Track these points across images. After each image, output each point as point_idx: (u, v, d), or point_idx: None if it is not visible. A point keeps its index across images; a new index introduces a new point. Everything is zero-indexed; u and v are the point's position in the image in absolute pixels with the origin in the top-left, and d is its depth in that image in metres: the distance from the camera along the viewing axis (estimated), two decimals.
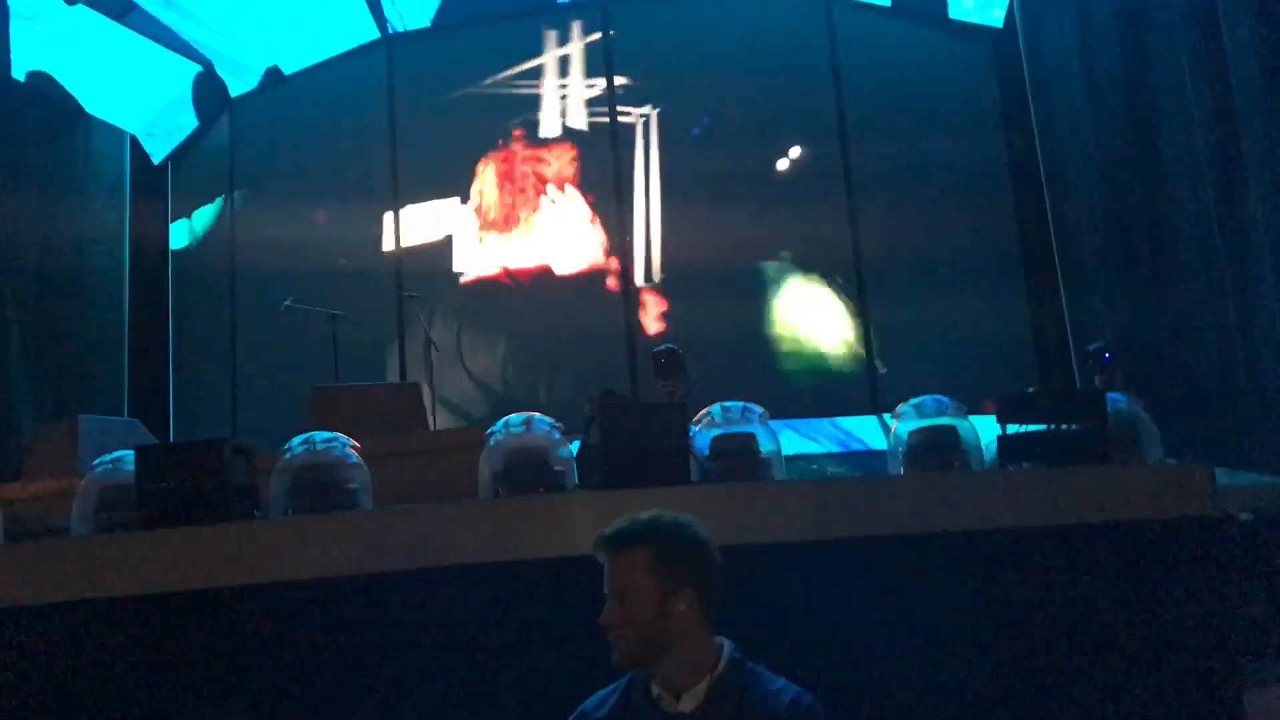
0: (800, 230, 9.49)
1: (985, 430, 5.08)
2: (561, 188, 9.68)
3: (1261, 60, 7.30)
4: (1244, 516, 4.75)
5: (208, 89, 11.05)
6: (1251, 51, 7.39)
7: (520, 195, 9.75)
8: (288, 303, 7.58)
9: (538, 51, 9.93)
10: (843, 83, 9.72)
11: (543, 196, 9.73)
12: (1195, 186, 8.03)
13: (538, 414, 4.40)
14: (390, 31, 10.11)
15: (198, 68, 10.82)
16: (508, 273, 9.65)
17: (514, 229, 9.75)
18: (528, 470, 4.22)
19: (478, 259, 9.83)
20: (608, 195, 9.60)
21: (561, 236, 9.67)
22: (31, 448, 6.15)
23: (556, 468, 4.28)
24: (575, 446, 4.72)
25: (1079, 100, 9.44)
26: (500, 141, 9.86)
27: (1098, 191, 9.22)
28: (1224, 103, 7.63)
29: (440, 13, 9.98)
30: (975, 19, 10.21)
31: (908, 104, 9.87)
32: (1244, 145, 7.47)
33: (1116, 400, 4.93)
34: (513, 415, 4.43)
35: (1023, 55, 10.01)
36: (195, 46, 10.44)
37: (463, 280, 9.79)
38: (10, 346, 9.43)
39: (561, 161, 9.75)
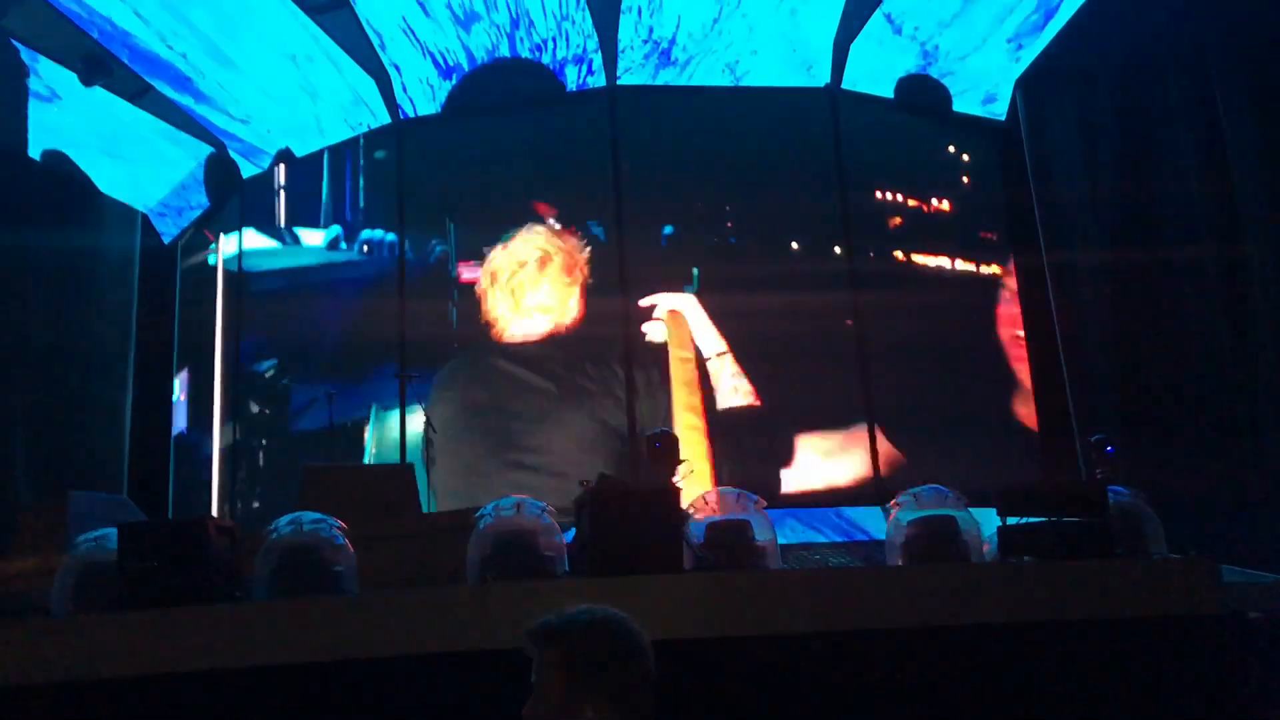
0: (804, 317, 9.47)
1: (986, 521, 5.01)
2: (570, 273, 9.70)
3: (1262, 159, 7.36)
4: (1254, 615, 4.63)
5: (220, 170, 11.18)
6: (1253, 150, 7.46)
7: (527, 277, 9.78)
8: (283, 381, 7.56)
9: (547, 140, 10.03)
10: (846, 173, 9.79)
11: (547, 281, 9.75)
12: (1199, 281, 8.05)
13: (529, 498, 4.35)
14: (401, 117, 10.25)
15: (210, 148, 10.96)
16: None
17: (519, 310, 9.73)
18: (516, 555, 4.15)
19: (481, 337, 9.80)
20: (611, 285, 9.60)
21: (564, 321, 9.66)
22: (21, 523, 6.08)
23: (546, 553, 4.22)
24: (571, 533, 4.65)
25: (1082, 194, 9.51)
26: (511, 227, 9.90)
27: (1102, 284, 9.24)
28: (1226, 200, 7.68)
29: (450, 100, 10.12)
30: (979, 113, 10.31)
31: (911, 195, 9.94)
32: (1247, 242, 7.50)
33: (1119, 493, 4.86)
34: (504, 499, 4.38)
35: (1025, 150, 10.10)
36: (209, 128, 10.59)
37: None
38: (14, 420, 9.42)
39: (569, 248, 9.78)
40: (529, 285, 9.72)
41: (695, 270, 9.56)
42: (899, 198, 9.96)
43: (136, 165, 10.87)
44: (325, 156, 10.63)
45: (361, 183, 10.41)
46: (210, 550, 4.04)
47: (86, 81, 9.47)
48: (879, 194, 9.91)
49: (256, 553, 4.41)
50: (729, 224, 9.78)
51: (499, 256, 9.79)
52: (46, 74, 9.48)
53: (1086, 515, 4.37)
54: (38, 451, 9.49)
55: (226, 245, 11.17)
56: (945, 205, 10.08)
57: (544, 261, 9.74)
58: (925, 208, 10.01)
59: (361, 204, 10.40)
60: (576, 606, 2.22)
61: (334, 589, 4.23)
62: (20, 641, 3.92)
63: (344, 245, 10.32)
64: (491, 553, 4.26)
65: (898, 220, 9.92)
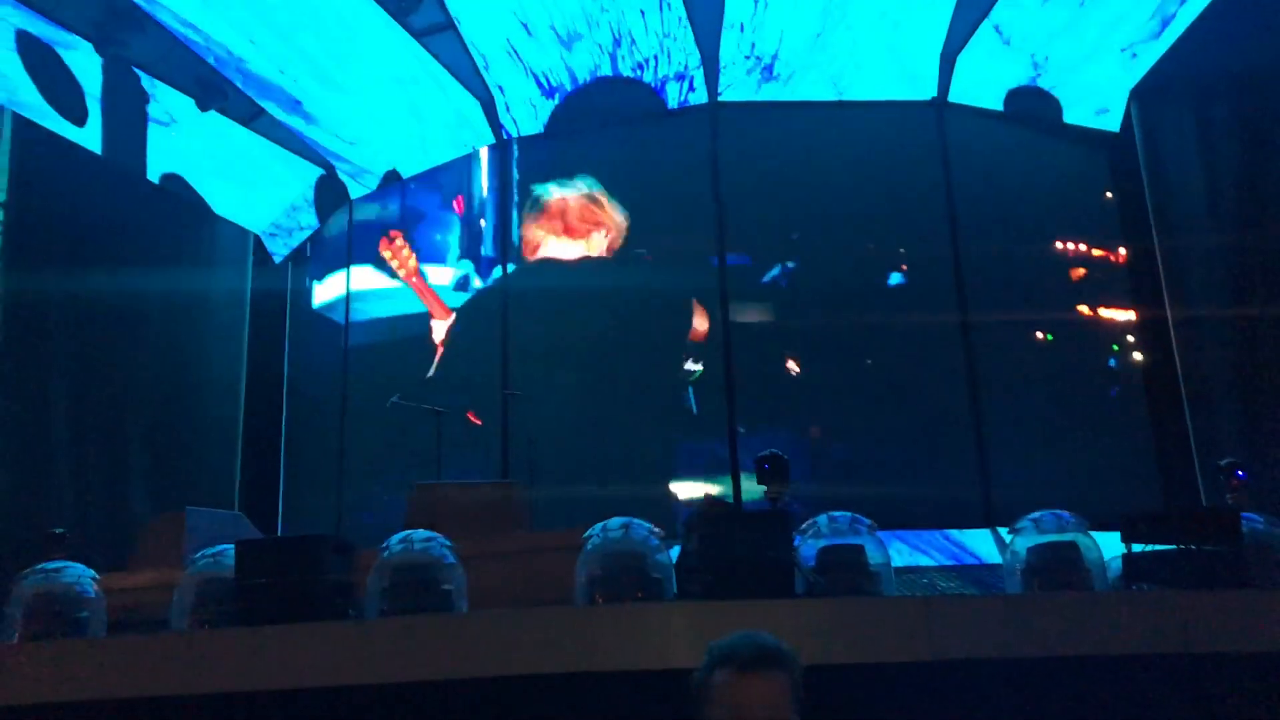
0: (912, 340, 9.32)
1: (1108, 547, 4.82)
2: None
3: None
4: None
5: (329, 191, 11.44)
6: None
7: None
8: (394, 399, 7.65)
9: (649, 159, 10.06)
10: (954, 190, 9.60)
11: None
12: None
13: (637, 519, 4.31)
14: (505, 137, 10.37)
15: (320, 170, 11.22)
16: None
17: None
18: (624, 577, 4.12)
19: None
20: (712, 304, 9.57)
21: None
22: (140, 539, 6.26)
23: (654, 575, 4.17)
24: (676, 552, 4.60)
25: (1200, 206, 9.18)
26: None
27: (1222, 300, 8.89)
28: None
29: (553, 120, 10.21)
30: (1091, 124, 10.03)
31: (1021, 211, 9.69)
32: None
33: (1253, 520, 4.63)
34: (612, 519, 4.35)
35: (1140, 160, 9.78)
36: (318, 150, 10.85)
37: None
38: (131, 436, 9.71)
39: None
40: None
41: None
42: (1008, 213, 9.72)
43: (249, 187, 11.18)
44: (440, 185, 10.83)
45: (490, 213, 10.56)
46: (326, 568, 4.09)
47: (203, 106, 9.80)
48: (987, 209, 9.70)
49: (370, 570, 4.45)
50: (836, 236, 9.67)
51: None
52: (165, 100, 9.81)
53: (1219, 543, 4.16)
54: (155, 467, 9.76)
55: (335, 284, 11.43)
56: (1057, 221, 9.81)
57: None
58: (1036, 223, 9.75)
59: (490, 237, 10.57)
60: (751, 632, 2.17)
61: (445, 607, 4.25)
62: (141, 655, 4.01)
63: (475, 283, 10.46)
64: (600, 573, 4.22)
65: (1008, 238, 9.68)
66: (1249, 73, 8.52)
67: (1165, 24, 9.12)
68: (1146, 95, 9.76)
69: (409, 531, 4.47)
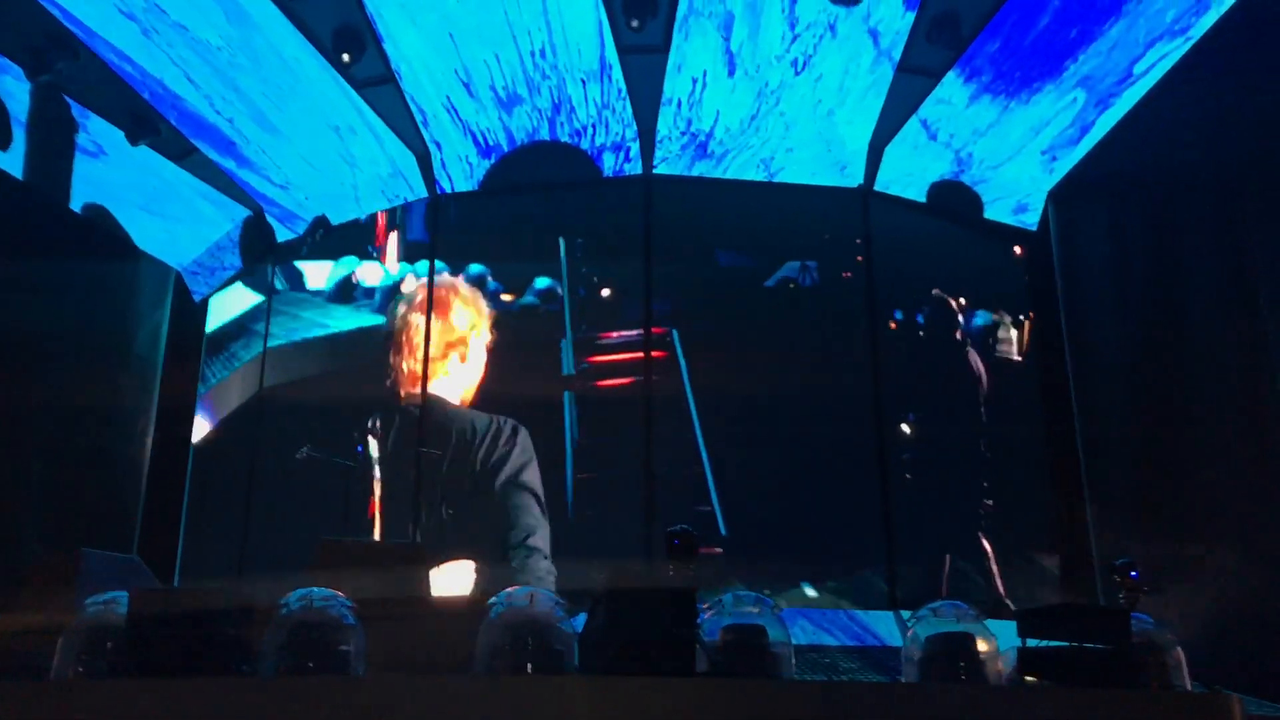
0: (823, 419, 9.48)
1: (1003, 638, 4.93)
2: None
3: None
4: None
5: (255, 232, 11.33)
6: (1278, 263, 7.48)
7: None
8: (304, 450, 7.53)
9: (579, 224, 10.19)
10: (875, 274, 9.86)
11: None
12: (1224, 403, 7.99)
13: (544, 589, 4.31)
14: (439, 191, 10.41)
15: (247, 211, 11.12)
16: None
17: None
18: (527, 647, 4.10)
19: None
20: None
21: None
22: (28, 579, 6.04)
23: (557, 646, 4.17)
24: (581, 620, 4.59)
25: (1110, 306, 9.51)
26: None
27: (1126, 400, 9.20)
28: (1254, 317, 7.67)
29: (487, 178, 10.29)
30: (1010, 221, 10.39)
31: (939, 300, 9.98)
32: (1275, 358, 7.46)
33: (1142, 621, 4.78)
34: (518, 588, 4.34)
35: (1055, 260, 10.14)
36: (248, 191, 10.75)
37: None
38: (31, 471, 9.42)
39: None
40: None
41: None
42: (926, 302, 10.01)
43: (175, 223, 11.02)
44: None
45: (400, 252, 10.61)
46: (222, 622, 4.01)
47: (133, 140, 9.66)
48: (906, 296, 9.97)
49: (267, 624, 4.37)
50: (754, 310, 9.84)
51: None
52: (95, 130, 9.67)
53: (1109, 642, 4.28)
54: (52, 505, 9.46)
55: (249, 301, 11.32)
56: (972, 309, 10.11)
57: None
58: (951, 310, 10.04)
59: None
60: None
61: (341, 668, 4.18)
62: (18, 703, 3.88)
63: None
64: (502, 642, 4.20)
65: (923, 323, 9.95)
66: (1160, 178, 8.92)
67: (1084, 131, 9.52)
68: (1063, 197, 10.15)
69: (310, 589, 4.40)
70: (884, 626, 8.91)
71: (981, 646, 4.52)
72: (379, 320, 10.50)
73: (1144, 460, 8.86)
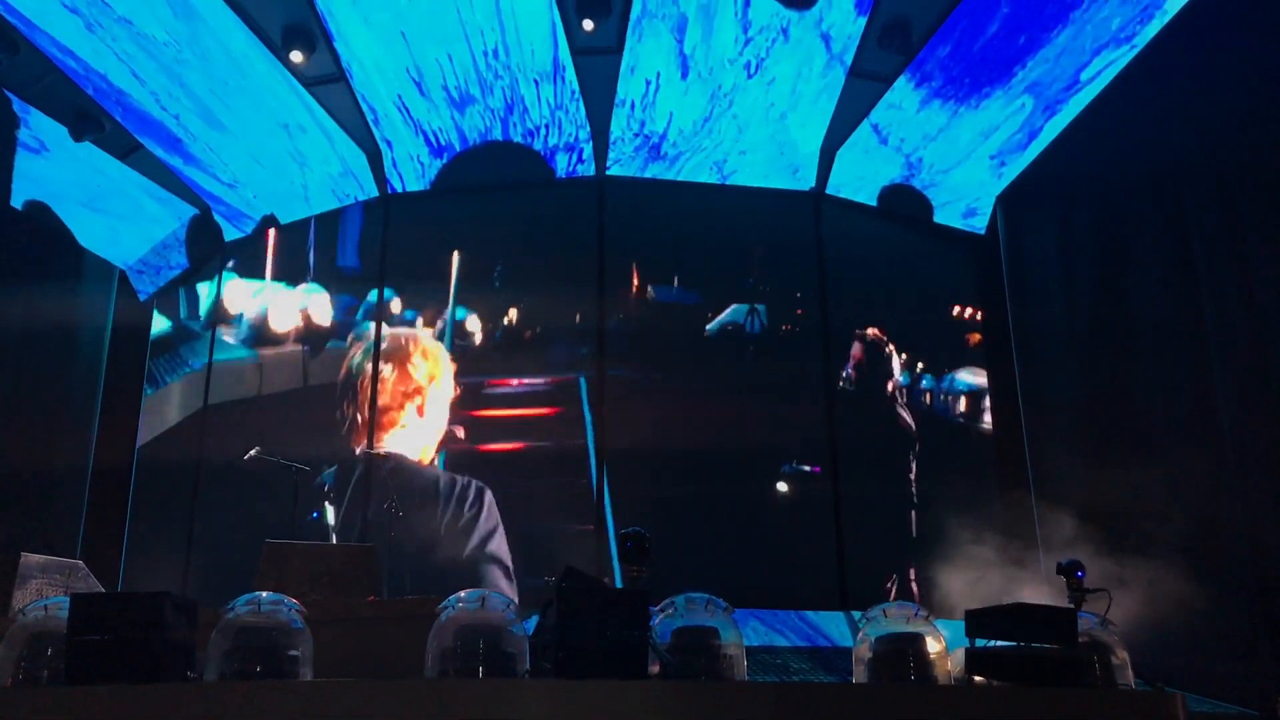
0: (775, 422, 9.52)
1: (952, 638, 4.97)
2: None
3: (1231, 275, 7.52)
4: None
5: (202, 231, 11.17)
6: (1222, 264, 7.63)
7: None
8: (253, 451, 7.43)
9: (532, 222, 10.13)
10: (827, 277, 9.92)
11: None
12: (1170, 402, 8.13)
13: (495, 592, 4.27)
14: (390, 191, 10.32)
15: (194, 210, 10.96)
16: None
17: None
18: (478, 650, 4.07)
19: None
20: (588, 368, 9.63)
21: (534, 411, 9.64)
22: None
23: (508, 649, 4.14)
24: (533, 623, 4.57)
25: (1057, 309, 9.64)
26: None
27: (1072, 399, 9.33)
28: (1198, 314, 7.82)
29: (439, 178, 10.21)
30: (959, 225, 10.50)
31: (890, 302, 10.07)
32: (1214, 360, 7.61)
33: (1088, 620, 4.83)
34: (470, 590, 4.30)
35: (1003, 264, 10.26)
36: (195, 189, 10.60)
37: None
38: None
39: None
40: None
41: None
42: (877, 304, 10.09)
43: (119, 221, 10.84)
44: (313, 224, 10.67)
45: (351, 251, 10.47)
46: (166, 627, 3.93)
47: (77, 136, 9.48)
48: (858, 299, 10.04)
49: (212, 628, 4.30)
50: (708, 315, 9.84)
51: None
52: (37, 125, 9.48)
53: (1055, 642, 4.32)
54: None
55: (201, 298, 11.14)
56: (921, 313, 10.21)
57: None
58: (902, 314, 10.13)
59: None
60: None
61: (289, 673, 4.12)
62: None
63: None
64: (453, 645, 4.16)
65: (874, 328, 10.02)
66: (1105, 183, 9.05)
67: (1032, 137, 9.66)
68: (1012, 201, 10.28)
69: (256, 593, 4.33)
70: (835, 627, 8.97)
71: (931, 647, 4.55)
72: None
73: (1090, 458, 8.97)
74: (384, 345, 9.84)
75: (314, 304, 10.39)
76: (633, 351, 9.67)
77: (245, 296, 10.76)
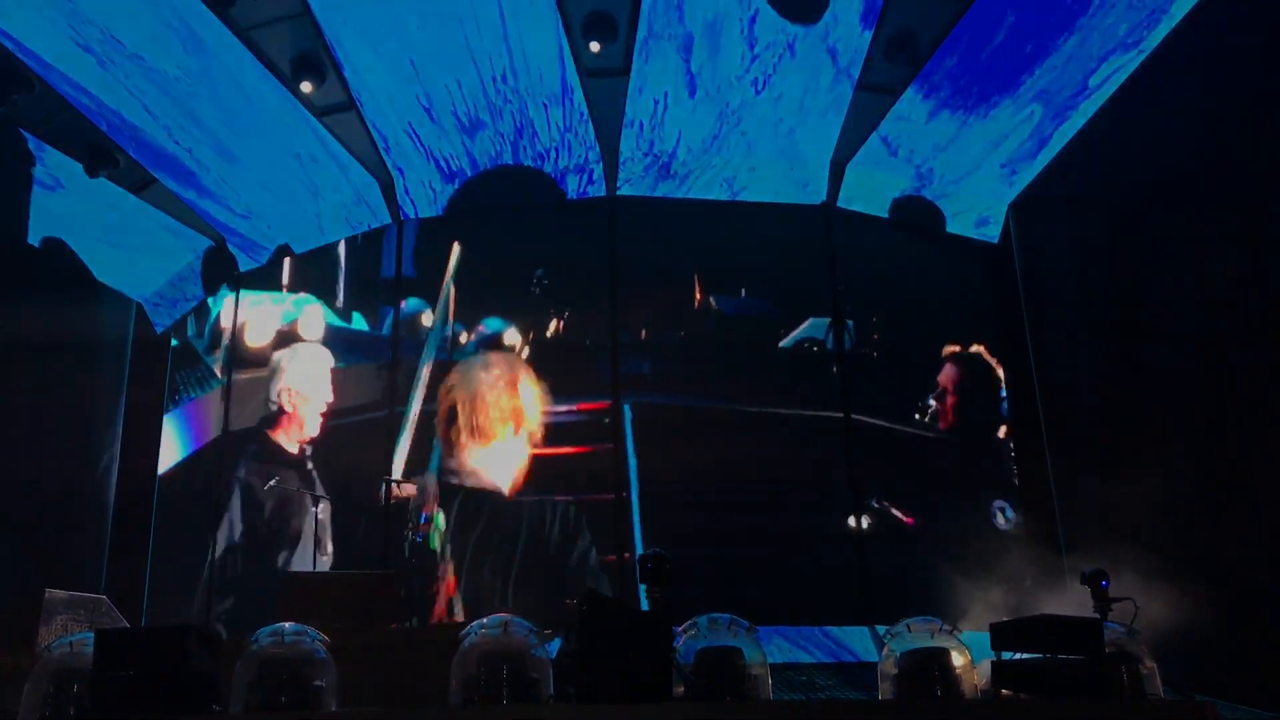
0: (792, 434, 9.49)
1: (977, 650, 4.94)
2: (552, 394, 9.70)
3: (1244, 284, 7.49)
4: None
5: (217, 263, 11.24)
6: (1236, 273, 7.59)
7: (509, 398, 9.76)
8: (272, 481, 7.45)
9: (546, 246, 10.14)
10: (840, 291, 9.90)
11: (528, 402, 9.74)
12: (1188, 406, 8.09)
13: (517, 617, 4.27)
14: (403, 218, 10.37)
15: (209, 242, 11.03)
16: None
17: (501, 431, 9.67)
18: (502, 676, 4.06)
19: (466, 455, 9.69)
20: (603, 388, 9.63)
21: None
22: None
23: (532, 674, 4.13)
24: (556, 646, 4.56)
25: (1072, 317, 9.61)
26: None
27: (1091, 404, 9.29)
28: (1214, 321, 7.79)
29: (451, 204, 10.26)
30: (972, 235, 10.48)
31: (905, 314, 10.04)
32: (1232, 365, 7.57)
33: (1114, 629, 4.80)
34: (492, 616, 4.30)
35: (1017, 272, 10.24)
36: (210, 221, 10.68)
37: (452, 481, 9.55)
38: None
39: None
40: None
41: None
42: (892, 316, 10.06)
43: (135, 255, 10.93)
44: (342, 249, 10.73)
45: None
46: (191, 661, 3.94)
47: (91, 172, 9.56)
48: (872, 312, 10.02)
49: (237, 659, 4.30)
50: (723, 331, 9.82)
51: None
52: (52, 163, 9.58)
53: (1082, 653, 4.29)
54: (17, 544, 9.29)
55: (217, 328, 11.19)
56: (938, 326, 10.17)
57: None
58: (919, 329, 10.10)
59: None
60: None
61: (314, 704, 4.12)
62: None
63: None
64: (476, 671, 4.16)
65: (891, 340, 10.01)
66: (1118, 190, 9.03)
67: (1042, 145, 9.64)
68: (1024, 209, 10.26)
69: (280, 624, 4.34)
70: (859, 642, 8.91)
71: (957, 661, 4.52)
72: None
73: (1109, 468, 8.92)
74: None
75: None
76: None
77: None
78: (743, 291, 9.87)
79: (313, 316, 10.47)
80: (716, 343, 9.78)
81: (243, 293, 11.00)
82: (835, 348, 9.74)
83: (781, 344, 9.71)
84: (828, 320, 9.77)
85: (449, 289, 9.92)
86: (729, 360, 9.70)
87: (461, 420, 9.52)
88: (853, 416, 9.57)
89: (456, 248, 10.09)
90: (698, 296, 9.76)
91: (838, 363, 9.71)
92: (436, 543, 8.85)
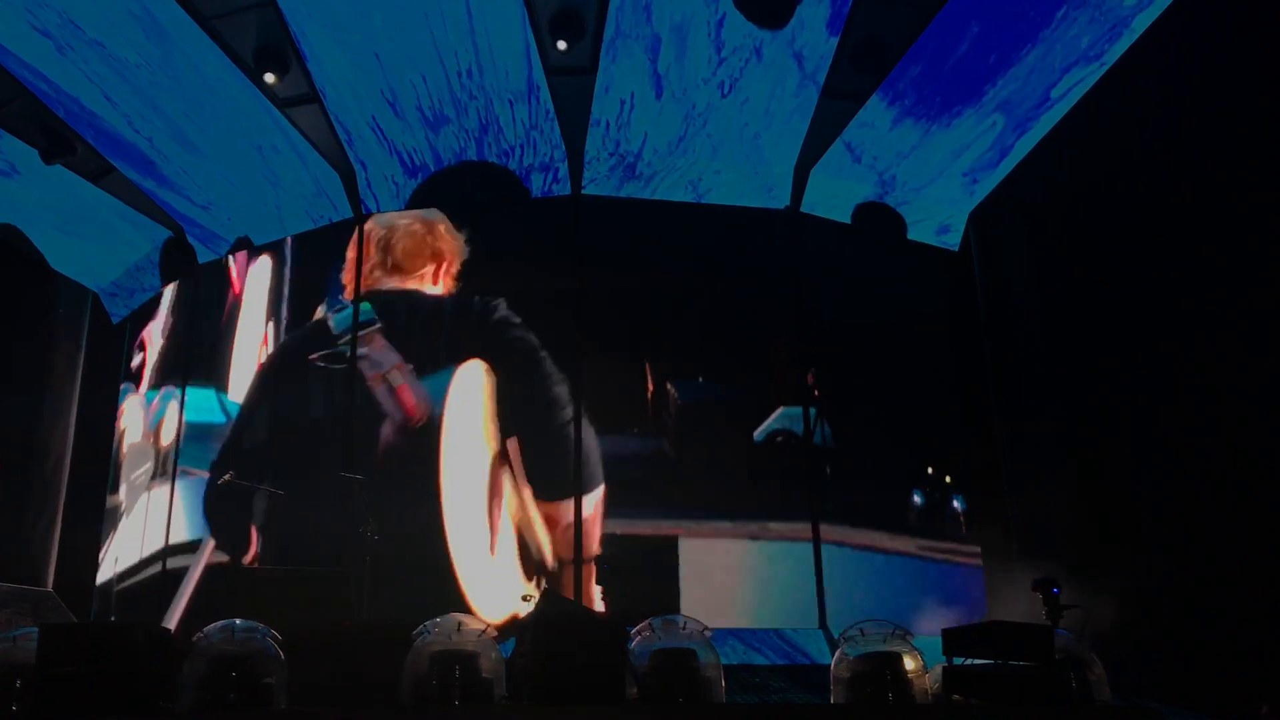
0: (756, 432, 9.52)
1: (930, 655, 4.97)
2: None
3: (1201, 289, 7.59)
4: None
5: (176, 253, 11.10)
6: (1193, 283, 7.69)
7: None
8: (226, 476, 7.37)
9: (506, 245, 10.09)
10: (803, 295, 9.94)
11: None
12: (1149, 415, 8.18)
13: (470, 616, 4.25)
14: (364, 211, 10.29)
15: (168, 232, 10.90)
16: None
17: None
18: (453, 676, 4.04)
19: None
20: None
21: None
22: None
23: (485, 674, 4.11)
24: (509, 647, 4.54)
25: (1031, 325, 9.69)
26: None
27: (1049, 412, 9.37)
28: (1172, 328, 7.88)
29: (414, 198, 10.20)
30: (933, 242, 10.56)
31: (866, 320, 10.10)
32: (1192, 367, 7.66)
33: (1064, 636, 4.86)
34: (446, 616, 4.28)
35: (976, 280, 10.32)
36: (169, 211, 10.54)
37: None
38: None
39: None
40: None
41: None
42: (853, 322, 10.11)
43: (92, 244, 10.78)
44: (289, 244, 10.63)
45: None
46: (139, 657, 3.89)
47: (48, 159, 9.41)
48: (834, 316, 10.07)
49: (187, 657, 4.25)
50: (690, 331, 9.83)
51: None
52: (7, 149, 9.42)
53: (1032, 659, 4.33)
54: None
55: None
56: (898, 332, 10.24)
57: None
58: (881, 337, 10.16)
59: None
60: None
61: (264, 701, 4.08)
62: None
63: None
64: (429, 671, 4.14)
65: (852, 343, 10.05)
66: (1078, 198, 9.12)
67: (1004, 154, 9.73)
68: (983, 218, 10.35)
69: (230, 620, 4.30)
70: (814, 645, 8.95)
71: (909, 665, 4.55)
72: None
73: (1068, 477, 9.01)
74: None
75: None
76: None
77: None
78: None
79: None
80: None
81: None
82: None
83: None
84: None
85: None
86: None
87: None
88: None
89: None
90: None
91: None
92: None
